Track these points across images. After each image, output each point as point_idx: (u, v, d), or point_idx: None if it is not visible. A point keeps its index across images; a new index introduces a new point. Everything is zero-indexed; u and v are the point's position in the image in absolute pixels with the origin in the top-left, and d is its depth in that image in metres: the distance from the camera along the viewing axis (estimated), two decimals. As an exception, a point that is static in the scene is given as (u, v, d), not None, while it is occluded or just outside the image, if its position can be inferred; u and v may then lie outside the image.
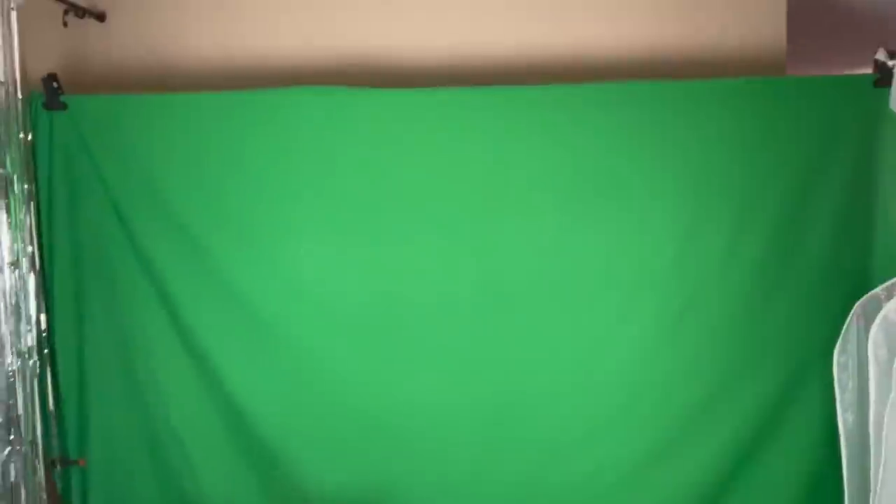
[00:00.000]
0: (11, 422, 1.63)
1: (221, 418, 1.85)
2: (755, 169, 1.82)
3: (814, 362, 1.87)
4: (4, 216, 1.64)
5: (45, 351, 1.83)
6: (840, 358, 1.77)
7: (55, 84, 1.81)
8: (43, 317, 1.83)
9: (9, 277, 1.65)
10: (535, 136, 1.82)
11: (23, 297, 1.70)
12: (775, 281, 1.86)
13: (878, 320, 1.61)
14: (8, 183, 1.65)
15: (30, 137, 1.79)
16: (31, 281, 1.76)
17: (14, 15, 1.64)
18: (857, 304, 1.75)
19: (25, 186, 1.74)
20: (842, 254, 1.88)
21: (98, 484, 1.89)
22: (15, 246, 1.67)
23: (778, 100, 1.80)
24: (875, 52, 1.83)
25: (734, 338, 1.87)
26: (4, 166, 1.64)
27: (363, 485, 1.89)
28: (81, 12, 1.91)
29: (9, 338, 1.64)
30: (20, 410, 1.65)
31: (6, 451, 1.59)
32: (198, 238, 1.81)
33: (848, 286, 1.86)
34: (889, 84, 1.76)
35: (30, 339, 1.73)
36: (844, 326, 1.75)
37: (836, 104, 1.80)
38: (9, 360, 1.63)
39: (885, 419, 1.51)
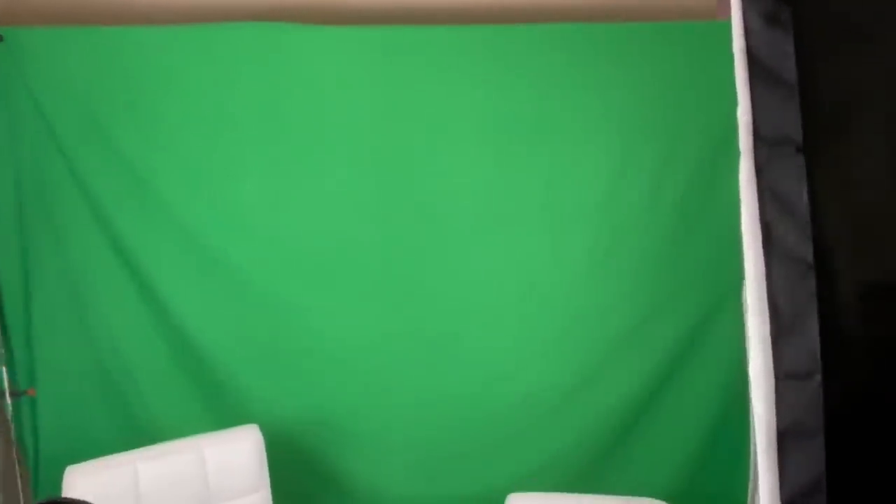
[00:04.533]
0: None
1: (169, 348, 1.91)
2: (680, 112, 1.92)
3: (731, 294, 2.01)
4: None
5: (-10, 285, 1.85)
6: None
7: (-10, 15, 1.79)
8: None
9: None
10: (471, 75, 1.88)
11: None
12: (697, 219, 1.98)
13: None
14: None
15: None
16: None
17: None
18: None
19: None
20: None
21: (48, 413, 1.93)
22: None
23: (704, 44, 1.89)
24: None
25: (658, 272, 2.00)
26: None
27: (311, 411, 1.99)
28: (15, -60, 1.87)
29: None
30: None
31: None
32: (140, 172, 1.83)
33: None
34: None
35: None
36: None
37: None
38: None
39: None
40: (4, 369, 1.87)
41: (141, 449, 1.61)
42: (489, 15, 2.01)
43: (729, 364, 2.02)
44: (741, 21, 0.77)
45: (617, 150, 1.92)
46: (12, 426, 1.91)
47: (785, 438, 0.72)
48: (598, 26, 1.88)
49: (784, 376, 0.73)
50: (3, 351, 1.89)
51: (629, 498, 1.68)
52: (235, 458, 1.59)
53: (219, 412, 1.91)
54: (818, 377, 0.73)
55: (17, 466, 1.92)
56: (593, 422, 2.05)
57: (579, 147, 1.91)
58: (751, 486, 1.94)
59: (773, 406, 0.73)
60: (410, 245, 1.95)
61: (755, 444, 1.75)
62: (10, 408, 1.90)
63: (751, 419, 1.85)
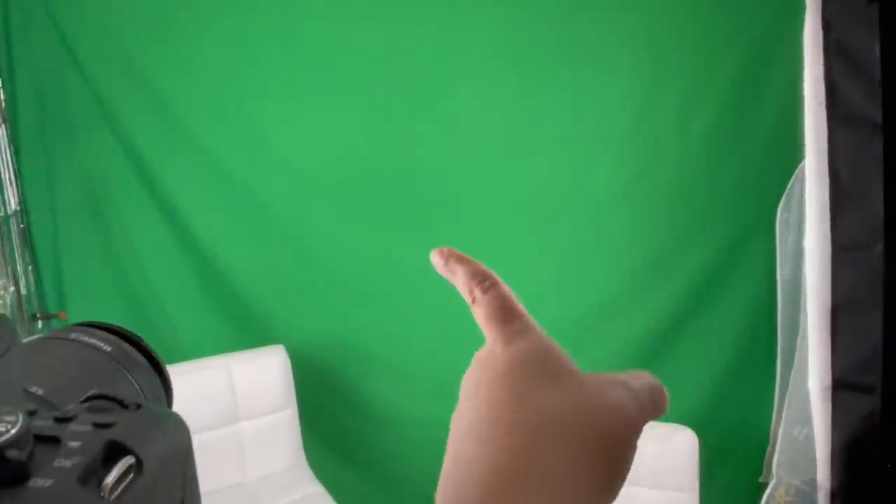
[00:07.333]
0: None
1: (195, 271, 1.92)
2: (713, 35, 1.84)
3: (760, 223, 1.97)
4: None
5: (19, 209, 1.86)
6: (783, 215, 1.87)
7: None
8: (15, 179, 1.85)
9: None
10: None
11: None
12: (727, 146, 1.92)
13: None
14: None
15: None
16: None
17: None
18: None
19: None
20: (792, 121, 1.94)
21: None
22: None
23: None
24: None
25: (685, 200, 1.95)
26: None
27: (334, 335, 2.01)
28: None
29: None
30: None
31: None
32: (162, 94, 1.81)
33: (797, 152, 1.93)
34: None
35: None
36: (789, 184, 1.84)
37: None
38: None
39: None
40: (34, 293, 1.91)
41: (170, 365, 1.63)
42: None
43: (755, 296, 2.00)
44: None
45: (645, 78, 1.85)
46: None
47: (840, 313, 0.69)
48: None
49: (842, 248, 0.70)
50: (33, 276, 1.92)
51: (652, 422, 1.70)
52: (263, 376, 1.62)
53: (243, 335, 1.93)
54: (880, 247, 0.70)
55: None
56: (614, 350, 2.05)
57: (605, 73, 1.84)
58: (775, 413, 1.95)
59: (829, 279, 0.70)
60: (430, 173, 1.92)
61: (783, 332, 1.71)
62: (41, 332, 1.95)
63: (777, 322, 1.84)
